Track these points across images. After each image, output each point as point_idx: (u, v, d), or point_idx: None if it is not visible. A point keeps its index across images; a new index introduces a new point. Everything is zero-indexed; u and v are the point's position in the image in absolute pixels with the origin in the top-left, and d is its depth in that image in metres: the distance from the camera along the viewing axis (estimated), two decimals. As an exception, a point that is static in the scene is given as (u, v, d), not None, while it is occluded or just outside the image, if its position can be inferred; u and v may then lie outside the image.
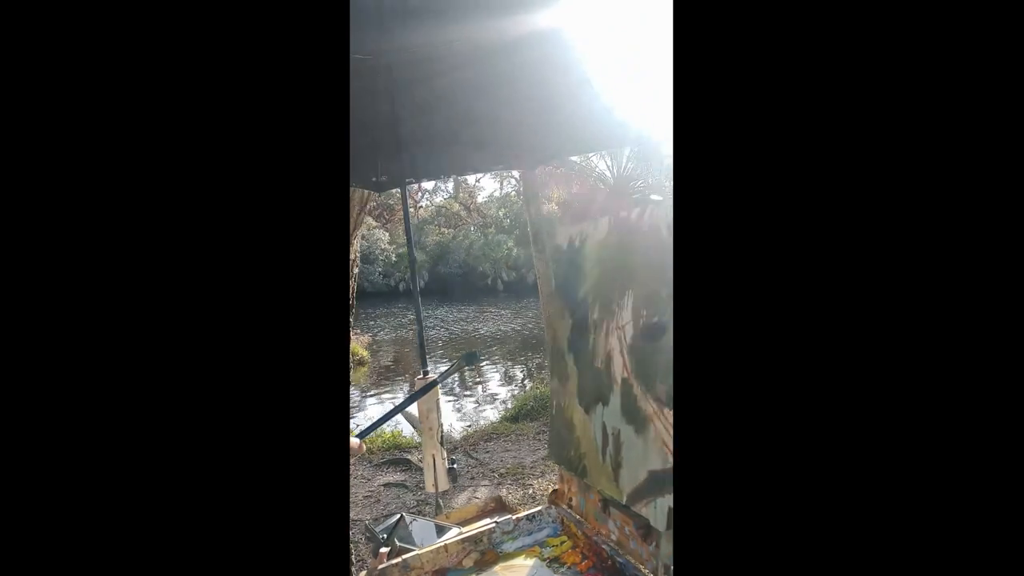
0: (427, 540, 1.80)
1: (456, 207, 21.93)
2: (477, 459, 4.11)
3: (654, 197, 1.07)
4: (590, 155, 9.38)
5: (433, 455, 1.74)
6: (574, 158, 9.08)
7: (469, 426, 5.10)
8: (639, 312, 1.13)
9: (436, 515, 2.23)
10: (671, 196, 0.69)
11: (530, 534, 1.36)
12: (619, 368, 1.18)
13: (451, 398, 6.75)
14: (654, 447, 1.05)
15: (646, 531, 1.09)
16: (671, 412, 1.01)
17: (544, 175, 8.89)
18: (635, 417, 1.11)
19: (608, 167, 9.41)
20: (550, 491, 1.43)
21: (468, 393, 7.32)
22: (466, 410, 6.30)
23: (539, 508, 1.41)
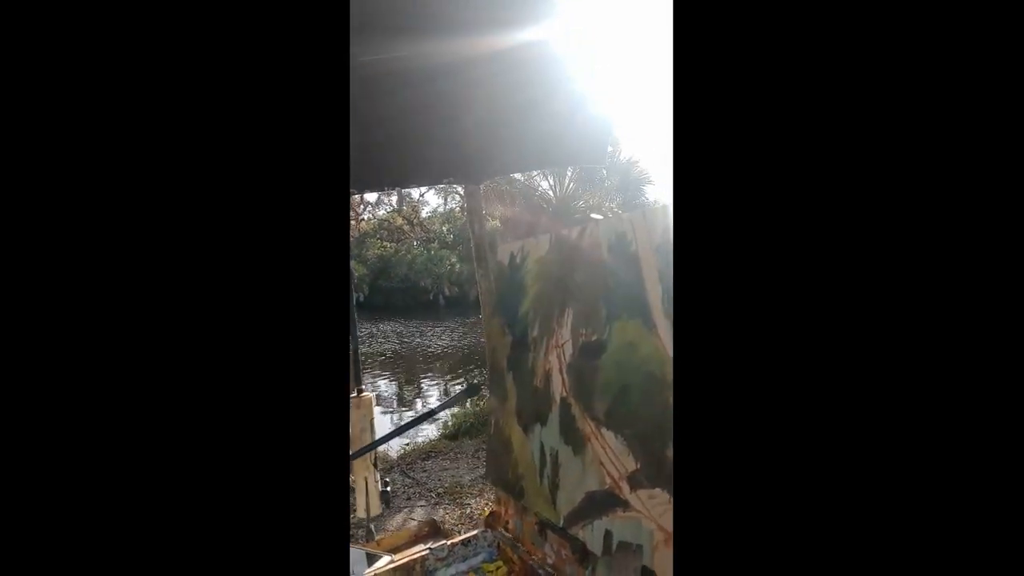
0: (357, 570, 1.70)
1: (399, 221, 21.57)
2: (414, 478, 3.98)
3: (595, 216, 1.07)
4: (533, 174, 9.54)
5: (365, 477, 1.65)
6: (517, 176, 9.20)
7: (407, 443, 4.94)
8: (578, 330, 1.12)
9: (367, 542, 2.11)
10: (619, 215, 0.68)
11: (465, 560, 1.30)
12: (558, 387, 1.16)
13: (388, 411, 6.54)
14: (592, 468, 1.04)
15: (583, 555, 1.07)
16: (609, 432, 1.01)
17: (488, 192, 8.93)
18: (573, 437, 1.10)
19: (551, 186, 9.60)
20: (487, 513, 1.38)
21: (406, 409, 7.12)
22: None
23: (475, 532, 1.36)
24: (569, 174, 9.66)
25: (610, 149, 9.35)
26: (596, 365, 1.05)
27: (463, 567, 1.29)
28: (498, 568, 1.27)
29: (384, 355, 10.90)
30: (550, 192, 9.68)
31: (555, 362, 1.18)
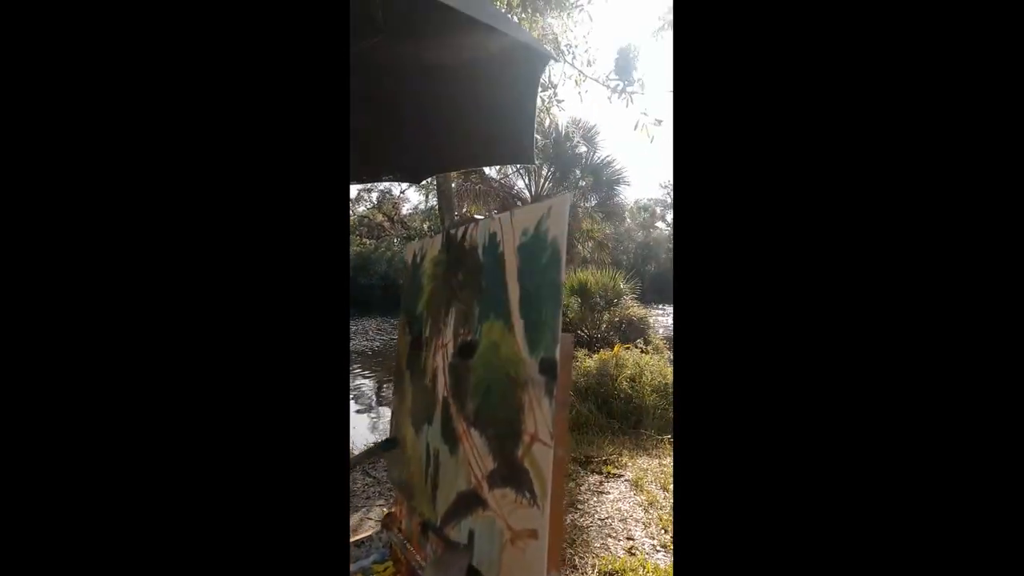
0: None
1: (379, 218, 21.42)
2: (375, 477, 3.95)
3: (476, 216, 1.07)
4: (509, 173, 9.54)
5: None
6: (492, 175, 9.20)
7: (375, 441, 4.90)
8: (458, 330, 1.12)
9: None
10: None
11: (356, 561, 1.30)
12: (441, 387, 1.16)
13: (362, 410, 6.49)
14: (462, 468, 1.04)
15: (455, 554, 1.07)
16: (475, 431, 1.01)
17: (463, 190, 8.90)
18: (450, 437, 1.10)
19: (526, 185, 9.61)
20: (385, 514, 1.38)
21: (386, 407, 7.08)
22: (383, 425, 6.09)
23: (370, 533, 1.36)
24: (544, 173, 9.67)
25: (584, 149, 9.39)
26: (469, 365, 1.05)
27: (354, 567, 1.28)
28: (386, 569, 1.27)
29: (364, 353, 10.81)
30: (525, 191, 9.68)
31: (440, 361, 1.18)
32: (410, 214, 21.64)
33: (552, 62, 3.20)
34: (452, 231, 1.20)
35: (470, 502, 0.99)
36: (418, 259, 1.38)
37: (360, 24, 1.35)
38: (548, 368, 0.81)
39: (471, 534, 0.97)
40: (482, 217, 1.06)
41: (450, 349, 1.14)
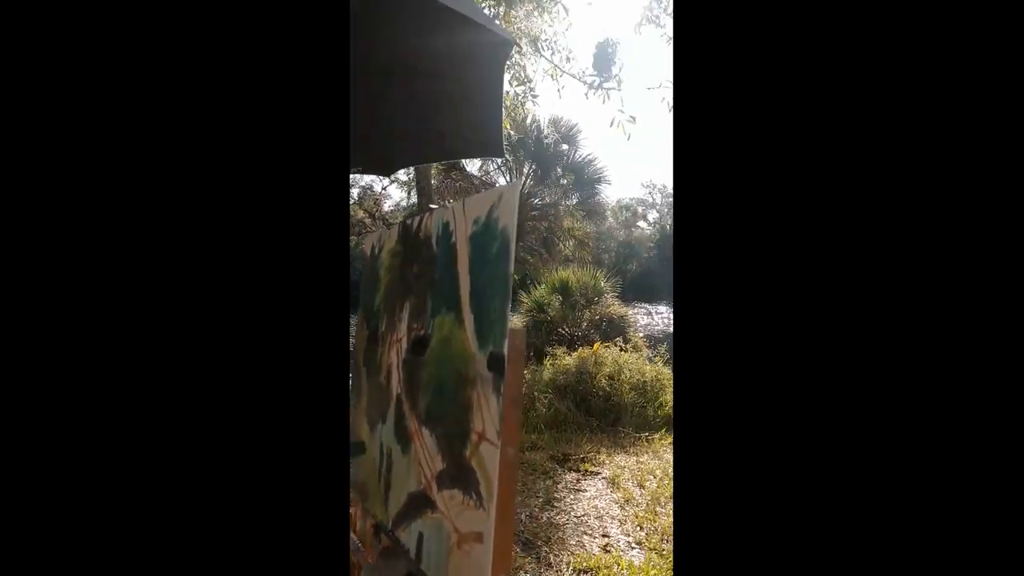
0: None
1: (361, 214, 21.20)
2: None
3: (432, 206, 1.03)
4: (490, 170, 9.50)
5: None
6: (473, 171, 9.14)
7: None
8: (412, 324, 1.08)
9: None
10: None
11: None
12: (395, 383, 1.12)
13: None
14: (413, 468, 0.99)
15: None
16: (426, 430, 0.97)
17: (443, 187, 8.82)
18: (403, 435, 1.05)
19: (508, 182, 9.56)
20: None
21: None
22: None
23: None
24: (526, 170, 9.65)
25: (565, 147, 9.38)
26: (421, 361, 1.01)
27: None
28: (339, 573, 1.21)
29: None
30: (507, 188, 9.65)
31: (394, 357, 1.13)
32: (392, 211, 21.44)
33: (517, 53, 3.17)
34: (408, 221, 1.16)
35: (420, 503, 0.94)
36: (376, 251, 1.33)
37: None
38: (496, 364, 0.77)
39: (420, 537, 0.93)
40: (437, 206, 1.02)
41: (404, 344, 1.10)
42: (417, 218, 1.12)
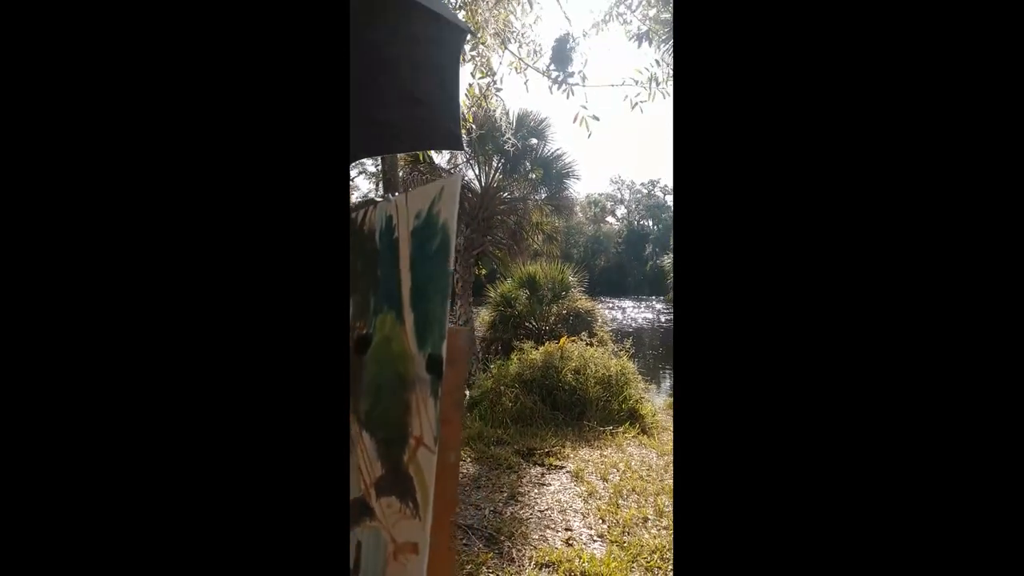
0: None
1: (327, 207, 20.70)
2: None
3: (376, 198, 0.98)
4: (459, 163, 9.39)
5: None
6: (442, 164, 9.01)
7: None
8: (355, 323, 1.03)
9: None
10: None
11: None
12: (338, 385, 1.07)
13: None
14: (354, 474, 0.95)
15: (350, 566, 0.99)
16: (367, 434, 0.92)
17: (411, 180, 8.67)
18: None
19: (476, 176, 9.49)
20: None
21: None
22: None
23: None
24: (495, 164, 9.59)
25: (535, 141, 9.35)
26: (364, 361, 0.96)
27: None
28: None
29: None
30: (476, 183, 9.56)
31: (338, 358, 1.08)
32: (359, 201, 21.02)
33: (482, 45, 3.11)
34: (353, 215, 1.11)
35: (359, 511, 0.90)
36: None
37: None
38: (434, 366, 0.74)
39: (359, 546, 0.89)
40: (380, 199, 0.97)
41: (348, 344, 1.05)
42: (362, 211, 1.07)
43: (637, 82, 3.21)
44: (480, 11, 3.22)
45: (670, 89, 3.30)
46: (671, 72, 3.29)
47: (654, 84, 3.16)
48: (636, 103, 3.23)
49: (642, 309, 21.84)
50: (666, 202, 36.06)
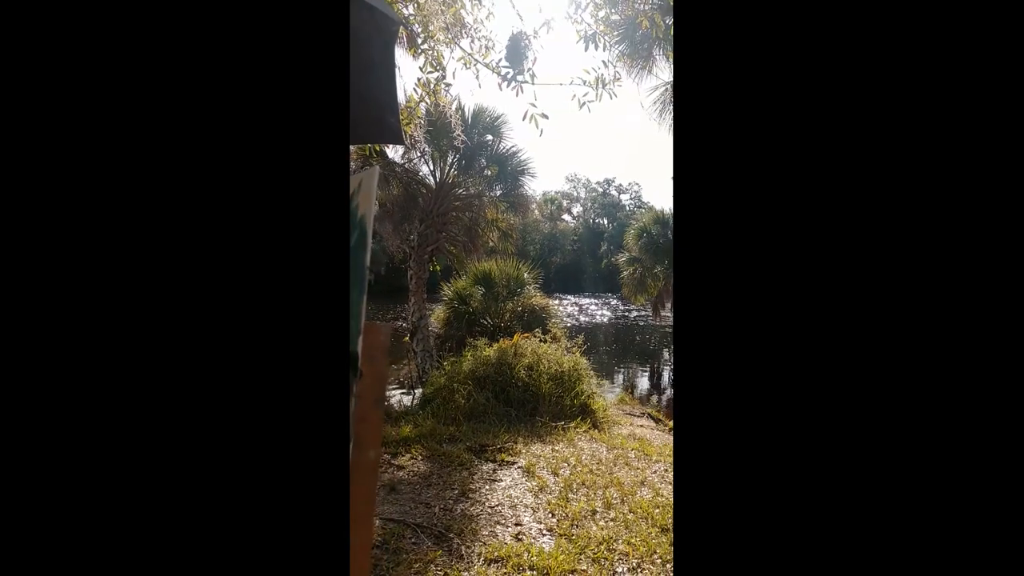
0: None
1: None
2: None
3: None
4: (414, 159, 9.27)
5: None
6: (395, 159, 8.86)
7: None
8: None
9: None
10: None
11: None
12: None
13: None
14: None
15: None
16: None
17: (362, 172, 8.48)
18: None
19: (431, 171, 9.40)
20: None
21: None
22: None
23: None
24: (450, 160, 9.52)
25: (490, 139, 9.34)
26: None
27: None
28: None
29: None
30: (430, 178, 9.47)
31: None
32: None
33: (430, 39, 3.08)
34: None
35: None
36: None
37: None
38: (350, 362, 0.72)
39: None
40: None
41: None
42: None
43: (585, 82, 3.26)
44: (428, 3, 3.18)
45: (617, 91, 3.37)
46: (617, 73, 3.36)
47: (600, 85, 3.21)
48: (584, 103, 3.28)
49: (599, 306, 22.29)
50: (620, 200, 36.88)
